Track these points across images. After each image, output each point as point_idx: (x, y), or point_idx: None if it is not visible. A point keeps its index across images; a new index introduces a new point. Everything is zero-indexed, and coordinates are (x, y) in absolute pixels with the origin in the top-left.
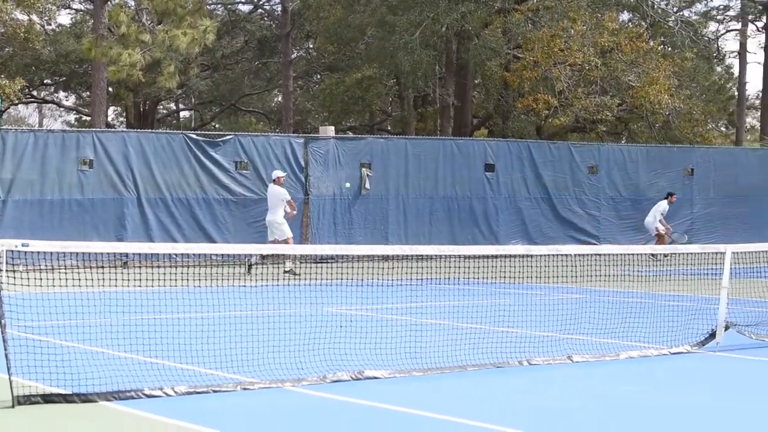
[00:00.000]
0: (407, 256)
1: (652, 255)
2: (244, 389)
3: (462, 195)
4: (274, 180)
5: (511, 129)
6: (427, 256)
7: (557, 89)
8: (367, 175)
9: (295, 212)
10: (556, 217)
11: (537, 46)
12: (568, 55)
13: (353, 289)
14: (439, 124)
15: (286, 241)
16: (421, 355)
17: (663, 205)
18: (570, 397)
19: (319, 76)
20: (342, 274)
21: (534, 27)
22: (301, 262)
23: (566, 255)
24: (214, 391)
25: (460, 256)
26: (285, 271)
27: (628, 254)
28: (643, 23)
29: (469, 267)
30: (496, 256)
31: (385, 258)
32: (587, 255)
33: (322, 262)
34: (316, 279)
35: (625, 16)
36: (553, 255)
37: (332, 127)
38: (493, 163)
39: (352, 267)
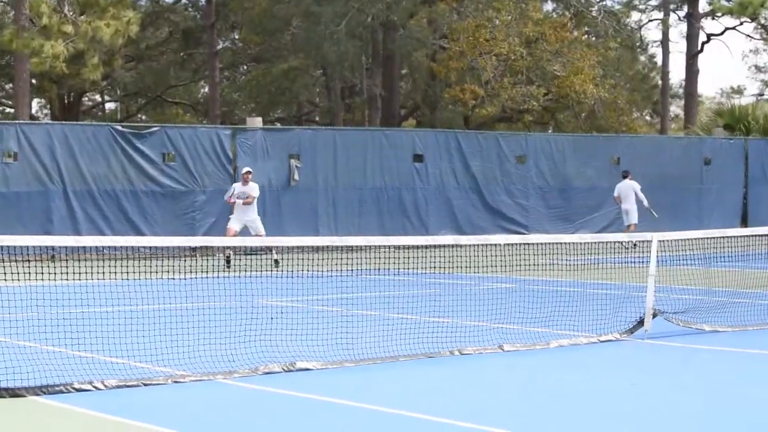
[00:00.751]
0: (337, 247)
1: (634, 244)
2: (176, 382)
3: (391, 185)
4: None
5: (439, 119)
6: (357, 246)
7: (484, 79)
8: (296, 166)
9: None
10: (485, 206)
11: (462, 36)
12: (494, 45)
13: (284, 280)
14: (367, 114)
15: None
16: (353, 346)
17: (635, 184)
18: (502, 386)
19: (245, 67)
20: (272, 265)
21: (459, 17)
22: (235, 254)
23: (495, 244)
24: (145, 385)
25: (389, 247)
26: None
27: (557, 243)
28: (567, 13)
29: (399, 257)
30: (425, 246)
31: (316, 249)
32: (516, 244)
33: (252, 254)
34: (246, 271)
35: (549, 6)
36: (482, 245)
37: (260, 119)
38: (421, 153)
39: (282, 258)
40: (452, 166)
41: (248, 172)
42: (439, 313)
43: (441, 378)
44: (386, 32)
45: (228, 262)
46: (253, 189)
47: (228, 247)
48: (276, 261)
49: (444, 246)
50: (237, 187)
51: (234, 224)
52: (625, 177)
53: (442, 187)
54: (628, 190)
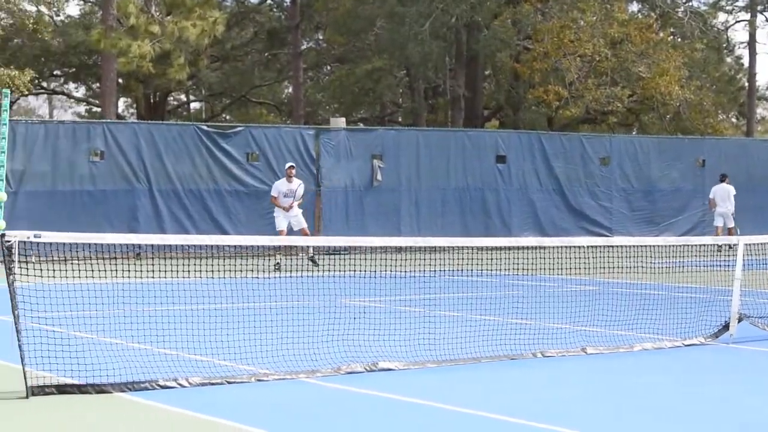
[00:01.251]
0: (420, 247)
1: (729, 246)
2: (259, 380)
3: (474, 186)
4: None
5: (522, 120)
6: (439, 247)
7: (568, 80)
8: (379, 166)
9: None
10: (568, 208)
11: (547, 37)
12: (578, 46)
13: (366, 280)
14: (450, 115)
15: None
16: (435, 347)
17: (732, 188)
18: (585, 388)
19: (329, 68)
20: (355, 265)
21: (544, 18)
22: (315, 254)
23: (579, 247)
24: (229, 383)
25: (472, 248)
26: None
27: (641, 246)
28: (653, 14)
29: (481, 258)
30: (508, 248)
31: (398, 249)
32: (600, 247)
33: (334, 254)
34: (329, 271)
35: (634, 6)
36: (566, 246)
37: (343, 119)
38: (504, 154)
39: (365, 259)
40: (535, 167)
41: (292, 167)
42: (522, 314)
43: (523, 380)
44: (470, 33)
45: (278, 267)
46: (300, 186)
47: (278, 252)
48: (312, 259)
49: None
50: (281, 184)
51: (282, 223)
52: (722, 180)
53: (524, 189)
54: (725, 194)
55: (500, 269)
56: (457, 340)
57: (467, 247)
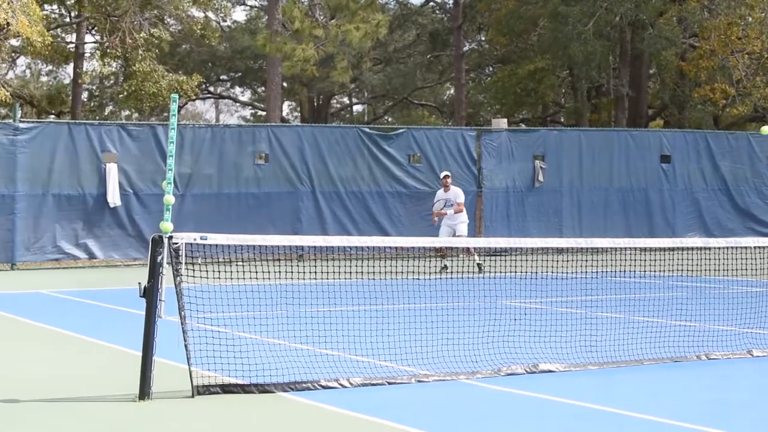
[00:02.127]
0: (582, 248)
1: None
2: (419, 381)
3: (637, 187)
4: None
5: (688, 119)
6: (602, 248)
7: (735, 78)
8: (541, 167)
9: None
10: (734, 208)
11: (713, 34)
12: (746, 43)
13: (527, 282)
14: (614, 115)
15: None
16: (597, 349)
17: None
18: (750, 392)
19: (491, 69)
20: (516, 266)
21: (710, 15)
22: (476, 255)
23: (746, 247)
24: (389, 383)
25: (635, 249)
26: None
27: None
28: None
29: (645, 260)
30: (672, 249)
31: (560, 251)
32: (767, 247)
33: (495, 255)
34: (489, 272)
35: None
36: (732, 247)
37: (505, 120)
38: (669, 154)
39: (526, 260)
40: (700, 166)
41: (447, 176)
42: (686, 316)
43: (687, 383)
44: (634, 31)
45: (445, 268)
46: (458, 195)
47: (444, 256)
48: (479, 265)
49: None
50: (440, 193)
51: (443, 231)
52: None
53: (690, 189)
54: None
55: (664, 270)
56: (619, 342)
57: (630, 248)
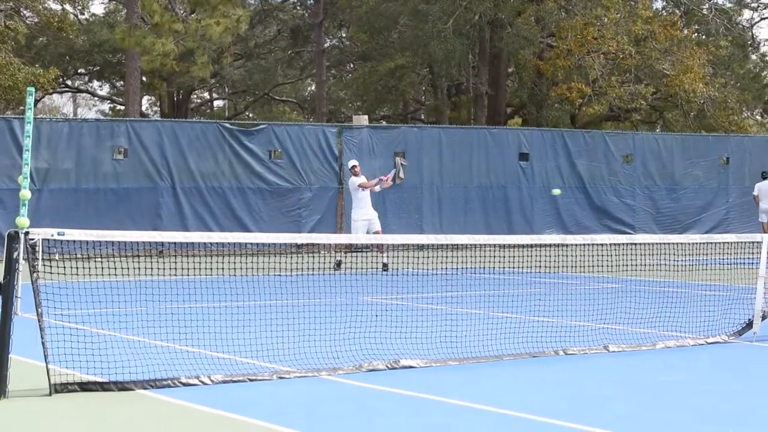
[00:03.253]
0: (442, 245)
1: None
2: (280, 378)
3: (496, 184)
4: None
5: (545, 118)
6: (462, 245)
7: (591, 78)
8: (402, 164)
9: (375, 186)
10: (590, 206)
11: (570, 34)
12: (602, 43)
13: (388, 278)
14: (473, 113)
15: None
16: (457, 345)
17: None
18: (607, 386)
19: (352, 65)
20: (377, 263)
21: (567, 15)
22: (335, 251)
23: (601, 244)
24: (250, 380)
25: (495, 245)
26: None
27: (664, 243)
28: (677, 11)
29: (504, 256)
30: (531, 246)
31: (420, 247)
32: (623, 244)
33: (356, 252)
34: (350, 268)
35: (658, 3)
36: (588, 244)
37: (366, 117)
38: (527, 152)
39: (396, 256)
40: (558, 164)
41: (356, 165)
42: (544, 312)
43: (545, 378)
44: (493, 30)
45: (338, 266)
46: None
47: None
48: (385, 265)
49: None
50: (354, 181)
51: (360, 230)
52: (765, 177)
53: (547, 186)
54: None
55: (522, 267)
56: (479, 337)
57: (489, 244)
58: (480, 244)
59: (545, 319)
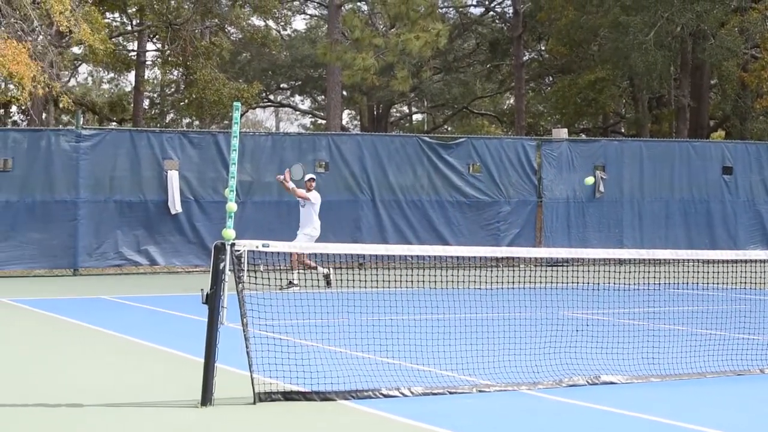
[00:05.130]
0: (643, 260)
1: None
2: (480, 391)
3: (699, 198)
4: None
5: (750, 130)
6: (663, 260)
7: None
8: (601, 178)
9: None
10: None
11: None
12: None
13: (588, 293)
14: (675, 126)
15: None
16: (659, 361)
17: None
18: None
19: (551, 78)
20: (577, 277)
21: None
22: (535, 266)
23: None
24: (450, 393)
25: (698, 261)
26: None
27: None
28: None
29: (707, 271)
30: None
31: (621, 262)
32: None
33: (556, 266)
34: (551, 282)
35: None
36: None
37: (565, 130)
38: (731, 165)
39: (587, 271)
40: (763, 178)
41: (312, 179)
42: (749, 329)
43: (749, 396)
44: (696, 41)
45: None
46: (317, 198)
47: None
48: (326, 276)
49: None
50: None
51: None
52: None
53: (752, 201)
54: None
55: (726, 283)
56: (682, 354)
57: (692, 260)
58: (682, 259)
59: (750, 337)
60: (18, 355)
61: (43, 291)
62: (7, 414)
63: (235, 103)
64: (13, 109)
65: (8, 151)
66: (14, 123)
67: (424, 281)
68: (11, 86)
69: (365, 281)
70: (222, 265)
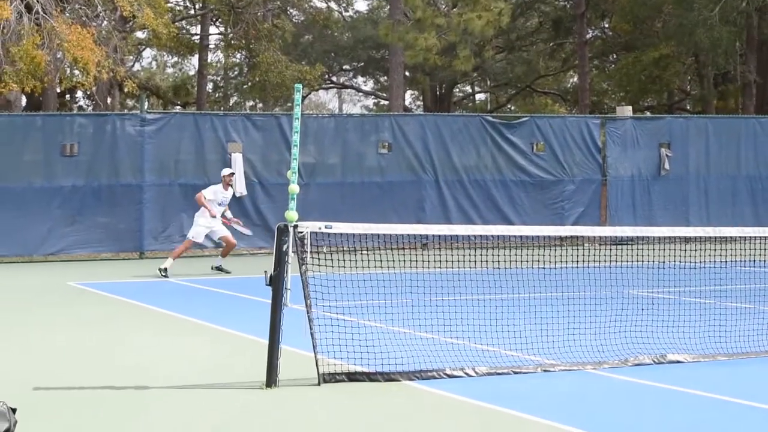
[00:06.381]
0: (710, 237)
1: None
2: (545, 371)
3: (766, 175)
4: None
5: None
6: (730, 237)
7: None
8: (667, 155)
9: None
10: None
11: None
12: None
13: (654, 271)
14: (741, 102)
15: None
16: (726, 340)
17: None
18: None
19: (615, 56)
20: (642, 256)
21: None
22: (600, 245)
23: None
24: (515, 373)
25: (765, 238)
26: (161, 268)
27: None
28: None
29: None
30: None
31: (687, 240)
32: None
33: (621, 244)
34: (616, 261)
35: None
36: None
37: (630, 107)
38: None
39: (653, 249)
40: None
41: (232, 174)
42: None
43: None
44: (762, 16)
45: (221, 269)
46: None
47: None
48: (219, 267)
49: None
50: (217, 190)
51: (201, 233)
52: None
53: None
54: None
55: None
56: (749, 332)
57: (759, 237)
58: (749, 237)
59: None
60: (87, 338)
61: (109, 275)
62: (78, 396)
63: (296, 85)
64: (79, 94)
65: (74, 136)
66: (80, 108)
67: (487, 261)
68: (76, 72)
69: (429, 261)
70: (285, 246)
